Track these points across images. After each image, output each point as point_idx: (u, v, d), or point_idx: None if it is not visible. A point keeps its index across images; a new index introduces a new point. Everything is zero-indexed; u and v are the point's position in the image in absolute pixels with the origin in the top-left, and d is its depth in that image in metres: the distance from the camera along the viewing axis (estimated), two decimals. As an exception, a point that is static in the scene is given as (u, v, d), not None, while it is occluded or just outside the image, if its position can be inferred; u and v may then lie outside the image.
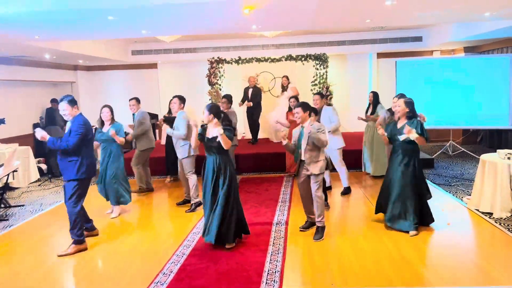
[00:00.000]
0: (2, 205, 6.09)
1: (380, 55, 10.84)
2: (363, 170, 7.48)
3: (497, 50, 9.12)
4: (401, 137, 4.50)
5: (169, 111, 7.45)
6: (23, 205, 6.38)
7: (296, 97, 6.92)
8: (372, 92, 7.16)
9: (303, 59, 9.86)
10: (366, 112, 7.16)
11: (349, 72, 11.04)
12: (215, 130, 4.28)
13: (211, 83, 9.97)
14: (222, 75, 10.03)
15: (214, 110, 4.42)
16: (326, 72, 9.84)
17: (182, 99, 5.90)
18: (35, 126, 9.53)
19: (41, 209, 6.16)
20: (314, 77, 9.84)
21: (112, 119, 5.55)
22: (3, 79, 8.31)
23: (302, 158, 4.54)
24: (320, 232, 4.57)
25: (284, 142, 4.55)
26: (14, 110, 8.95)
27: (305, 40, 10.25)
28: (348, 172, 6.27)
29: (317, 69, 9.84)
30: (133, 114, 6.63)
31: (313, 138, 4.44)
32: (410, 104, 4.58)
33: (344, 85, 10.82)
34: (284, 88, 9.12)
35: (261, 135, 9.75)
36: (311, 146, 4.50)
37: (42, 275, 3.94)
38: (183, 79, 11.20)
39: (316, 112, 5.26)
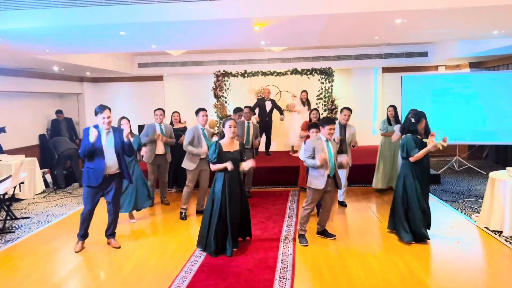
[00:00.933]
0: (8, 217, 6.07)
1: (385, 70, 10.88)
2: (374, 185, 7.20)
3: (502, 66, 9.15)
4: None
5: (171, 123, 7.47)
6: (29, 217, 6.36)
7: (317, 110, 7.02)
8: (392, 106, 6.93)
9: (308, 73, 9.90)
10: (390, 124, 6.89)
11: (354, 86, 11.07)
12: (235, 144, 4.60)
13: (216, 96, 10.00)
14: (228, 88, 10.07)
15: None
16: (332, 86, 9.87)
17: None
18: (42, 137, 9.56)
19: (47, 222, 6.13)
20: (319, 91, 9.87)
21: (131, 131, 5.66)
22: (11, 91, 8.36)
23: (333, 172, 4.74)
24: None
25: (319, 164, 4.59)
26: (21, 121, 8.99)
27: (310, 54, 10.32)
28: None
29: (323, 83, 9.87)
30: (160, 124, 6.49)
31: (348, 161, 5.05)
32: None
33: (349, 99, 10.80)
34: (304, 103, 9.03)
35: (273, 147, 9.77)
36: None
37: None
38: (189, 92, 11.24)
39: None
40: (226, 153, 4.48)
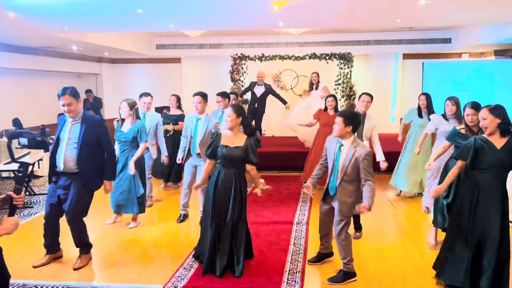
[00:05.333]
0: (27, 193, 6.21)
1: (406, 56, 10.64)
2: (393, 183, 6.14)
3: (530, 54, 8.85)
4: None
5: (169, 109, 6.66)
6: (46, 194, 6.46)
7: (335, 96, 6.17)
8: (423, 94, 5.80)
9: (327, 57, 9.73)
10: (419, 115, 5.79)
11: (373, 72, 10.87)
12: (238, 139, 3.62)
13: (233, 80, 9.94)
14: (245, 72, 9.99)
15: (240, 112, 3.62)
16: (351, 71, 9.69)
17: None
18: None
19: (64, 198, 6.24)
20: (338, 76, 9.70)
21: (134, 116, 4.68)
22: (32, 69, 8.46)
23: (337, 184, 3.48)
24: (341, 276, 3.54)
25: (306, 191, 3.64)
26: (39, 100, 9.12)
27: (329, 38, 10.15)
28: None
29: (341, 68, 9.70)
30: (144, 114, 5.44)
31: (366, 172, 3.32)
32: (500, 111, 3.10)
33: (368, 85, 10.61)
34: (312, 86, 8.50)
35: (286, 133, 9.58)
36: (350, 177, 3.40)
37: (64, 265, 3.99)
38: (206, 75, 11.22)
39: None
40: (222, 147, 3.56)
